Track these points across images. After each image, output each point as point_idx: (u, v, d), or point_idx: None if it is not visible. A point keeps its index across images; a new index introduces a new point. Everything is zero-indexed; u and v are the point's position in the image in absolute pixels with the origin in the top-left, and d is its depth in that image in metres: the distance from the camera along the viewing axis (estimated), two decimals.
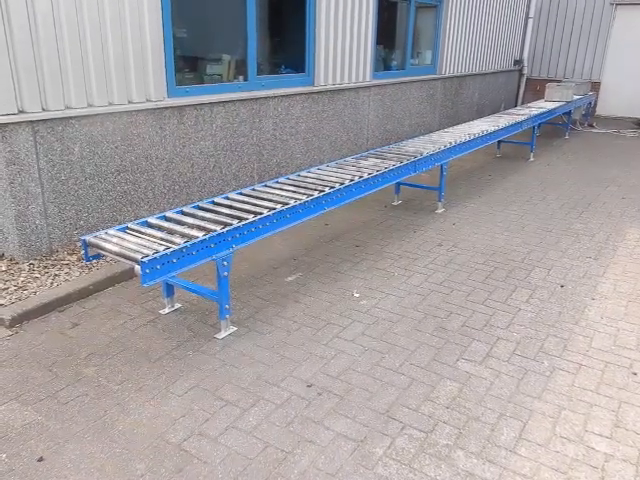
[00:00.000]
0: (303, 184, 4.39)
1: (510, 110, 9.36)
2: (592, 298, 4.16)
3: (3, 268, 4.20)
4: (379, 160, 5.35)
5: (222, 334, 3.55)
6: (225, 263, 3.40)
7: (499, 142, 8.81)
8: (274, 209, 3.74)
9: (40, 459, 2.51)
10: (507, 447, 2.63)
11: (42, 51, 4.03)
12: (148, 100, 4.86)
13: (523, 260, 4.86)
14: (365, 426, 2.75)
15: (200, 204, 3.89)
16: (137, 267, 2.91)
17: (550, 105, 9.67)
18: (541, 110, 8.98)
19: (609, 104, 13.11)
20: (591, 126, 11.89)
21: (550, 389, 3.07)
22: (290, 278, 4.42)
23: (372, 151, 5.85)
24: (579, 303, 4.08)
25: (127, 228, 3.45)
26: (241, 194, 4.15)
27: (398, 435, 2.70)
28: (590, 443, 2.66)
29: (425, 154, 5.60)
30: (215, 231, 3.33)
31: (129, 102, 4.72)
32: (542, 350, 3.45)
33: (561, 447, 2.64)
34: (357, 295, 4.14)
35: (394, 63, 8.83)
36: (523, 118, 8.11)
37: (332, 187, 4.29)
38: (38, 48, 4.01)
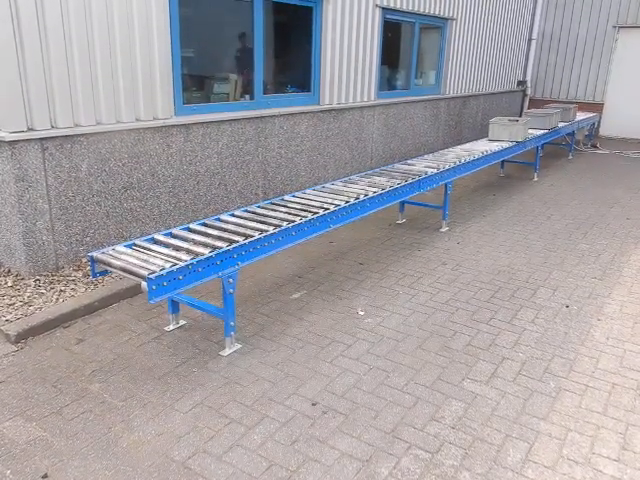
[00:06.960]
0: (309, 202, 4.42)
1: None
2: (598, 319, 4.14)
3: (9, 284, 4.22)
4: (384, 178, 5.38)
5: (227, 351, 3.54)
6: (230, 280, 3.42)
7: (503, 162, 8.85)
8: (280, 227, 3.76)
9: (44, 476, 2.50)
10: (513, 469, 2.61)
11: (52, 70, 4.10)
12: (155, 118, 4.92)
13: (528, 280, 4.85)
14: (370, 445, 2.73)
15: (206, 221, 3.91)
16: (144, 284, 2.92)
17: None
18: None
19: (613, 125, 13.18)
20: (595, 147, 11.93)
21: (556, 410, 3.04)
22: (295, 296, 4.42)
23: (377, 169, 5.89)
24: (585, 324, 4.06)
25: (134, 245, 3.47)
26: (247, 211, 4.18)
27: (403, 455, 2.68)
28: (597, 466, 2.64)
29: (430, 173, 5.63)
30: (221, 248, 3.35)
31: (137, 120, 4.77)
32: (548, 371, 3.43)
33: (568, 469, 2.61)
34: (362, 313, 4.13)
35: (399, 83, 8.92)
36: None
37: (337, 205, 4.31)
38: (49, 67, 4.08)
